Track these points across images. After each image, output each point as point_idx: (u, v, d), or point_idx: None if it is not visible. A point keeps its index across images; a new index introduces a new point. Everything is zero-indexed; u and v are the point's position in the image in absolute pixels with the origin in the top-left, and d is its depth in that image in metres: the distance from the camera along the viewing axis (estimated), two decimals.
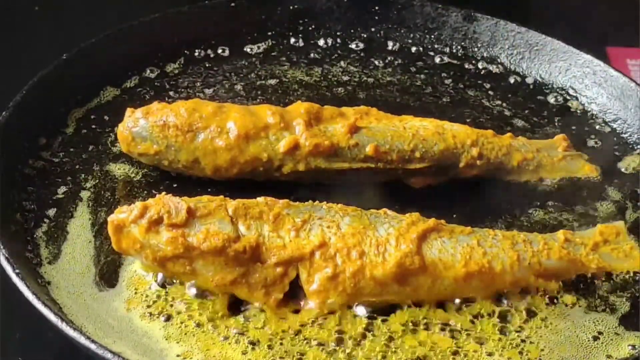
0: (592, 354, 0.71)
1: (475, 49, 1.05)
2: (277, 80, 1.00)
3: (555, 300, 0.75)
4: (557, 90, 1.01)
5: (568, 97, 1.00)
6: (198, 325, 0.71)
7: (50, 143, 0.88)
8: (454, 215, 0.81)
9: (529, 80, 1.02)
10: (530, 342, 0.71)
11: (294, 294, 0.72)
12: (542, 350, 0.71)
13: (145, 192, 0.84)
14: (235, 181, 0.83)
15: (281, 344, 0.70)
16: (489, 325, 0.72)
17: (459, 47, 1.06)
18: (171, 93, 0.97)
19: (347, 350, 0.70)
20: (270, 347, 0.69)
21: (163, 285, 0.73)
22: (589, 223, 0.83)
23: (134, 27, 1.00)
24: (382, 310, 0.73)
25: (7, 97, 0.86)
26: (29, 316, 0.71)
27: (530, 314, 0.74)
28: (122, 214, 0.72)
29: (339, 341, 0.70)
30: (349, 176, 0.84)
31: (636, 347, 0.71)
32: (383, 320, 0.72)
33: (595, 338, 0.72)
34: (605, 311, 0.75)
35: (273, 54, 1.04)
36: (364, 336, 0.71)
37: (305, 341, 0.70)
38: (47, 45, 1.10)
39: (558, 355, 0.71)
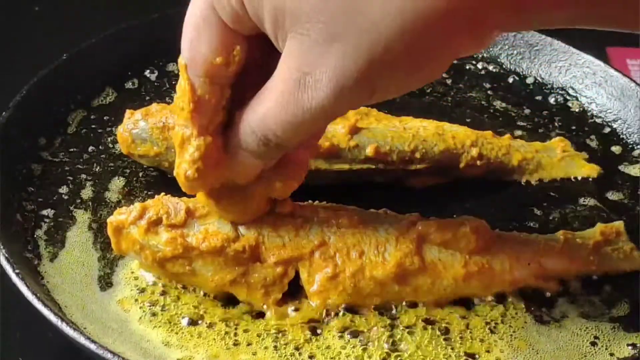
0: (592, 357, 0.71)
1: None
2: None
3: (552, 302, 0.75)
4: (557, 90, 1.01)
5: (568, 97, 1.00)
6: (199, 329, 0.71)
7: (50, 143, 0.88)
8: (454, 215, 0.81)
9: (529, 80, 1.02)
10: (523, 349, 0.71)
11: (293, 294, 0.72)
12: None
13: (145, 192, 0.84)
14: None
15: (285, 344, 0.70)
16: (481, 329, 0.72)
17: None
18: (171, 93, 0.97)
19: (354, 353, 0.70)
20: (275, 348, 0.70)
21: (163, 287, 0.74)
22: (589, 223, 0.83)
23: (134, 27, 1.00)
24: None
25: (7, 97, 0.86)
26: (29, 316, 0.70)
27: (525, 317, 0.74)
28: (121, 215, 0.73)
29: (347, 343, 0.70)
30: (349, 177, 0.84)
31: (637, 345, 0.71)
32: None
33: (593, 343, 0.72)
34: (604, 313, 0.75)
35: None
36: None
37: (309, 342, 0.70)
38: (47, 45, 1.10)
39: None
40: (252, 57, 0.61)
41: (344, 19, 0.52)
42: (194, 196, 0.74)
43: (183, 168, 0.66)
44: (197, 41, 0.60)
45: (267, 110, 0.59)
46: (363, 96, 0.57)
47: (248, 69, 0.61)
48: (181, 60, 0.62)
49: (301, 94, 0.55)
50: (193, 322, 0.71)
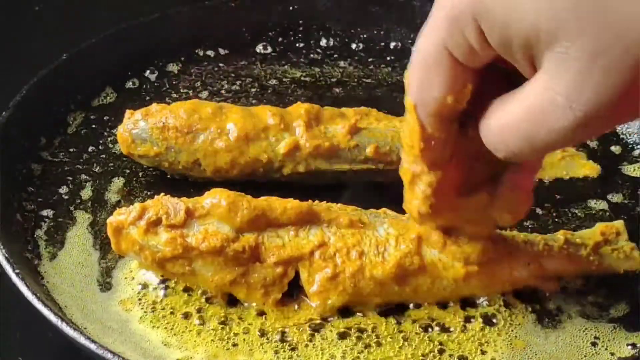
0: (593, 357, 0.71)
1: None
2: (277, 81, 1.00)
3: (551, 302, 0.75)
4: None
5: None
6: (199, 329, 0.71)
7: (50, 143, 0.88)
8: None
9: None
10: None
11: (293, 294, 0.72)
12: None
13: (145, 192, 0.84)
14: (235, 182, 0.83)
15: (285, 344, 0.70)
16: (480, 330, 0.72)
17: None
18: (171, 93, 0.97)
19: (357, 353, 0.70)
20: (274, 348, 0.70)
21: (163, 287, 0.74)
22: (589, 223, 0.83)
23: (134, 27, 1.00)
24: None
25: (7, 97, 0.86)
26: (29, 316, 0.71)
27: (525, 317, 0.74)
28: (121, 215, 0.72)
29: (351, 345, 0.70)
30: (349, 177, 0.84)
31: (637, 345, 0.71)
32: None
33: (594, 344, 0.72)
34: (604, 313, 0.75)
35: (273, 54, 1.04)
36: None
37: (309, 342, 0.70)
38: (47, 45, 1.10)
39: None
40: (480, 87, 0.60)
41: (607, 35, 0.49)
42: (194, 196, 0.74)
43: (415, 204, 0.66)
44: (427, 83, 0.59)
45: (507, 121, 0.57)
46: (610, 122, 0.55)
47: (475, 97, 0.60)
48: (410, 100, 0.61)
49: (550, 114, 0.53)
50: (193, 323, 0.71)
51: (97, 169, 0.86)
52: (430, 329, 0.72)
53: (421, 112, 0.60)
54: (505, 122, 0.57)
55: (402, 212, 0.76)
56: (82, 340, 0.65)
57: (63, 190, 0.83)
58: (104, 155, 0.88)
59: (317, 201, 0.76)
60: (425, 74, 0.59)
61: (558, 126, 0.54)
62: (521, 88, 0.56)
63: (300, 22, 1.07)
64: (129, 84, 0.97)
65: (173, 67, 1.01)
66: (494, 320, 0.73)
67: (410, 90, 0.60)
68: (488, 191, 0.67)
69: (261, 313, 0.72)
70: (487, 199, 0.67)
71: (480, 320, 0.72)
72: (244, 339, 0.70)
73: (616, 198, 0.87)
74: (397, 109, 0.91)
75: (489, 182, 0.67)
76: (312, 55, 1.04)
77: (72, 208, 0.82)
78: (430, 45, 0.58)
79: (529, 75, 0.55)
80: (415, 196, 0.66)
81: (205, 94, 0.97)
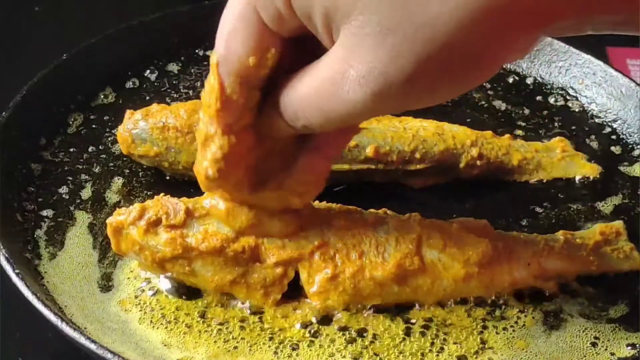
0: (593, 357, 0.71)
1: None
2: None
3: (551, 303, 0.75)
4: (557, 90, 1.01)
5: (568, 97, 1.00)
6: (199, 329, 0.71)
7: (50, 143, 0.88)
8: (454, 215, 0.81)
9: (529, 80, 1.02)
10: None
11: (293, 294, 0.72)
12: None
13: (145, 192, 0.84)
14: None
15: (285, 345, 0.70)
16: (480, 330, 0.72)
17: None
18: (171, 93, 0.97)
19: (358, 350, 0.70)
20: (274, 349, 0.70)
21: (163, 287, 0.74)
22: (589, 223, 0.83)
23: (134, 27, 1.00)
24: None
25: (7, 97, 0.86)
26: (29, 316, 0.71)
27: (525, 318, 0.74)
28: (121, 215, 0.72)
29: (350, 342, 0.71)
30: (349, 177, 0.84)
31: (636, 345, 0.71)
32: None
33: (594, 344, 0.72)
34: (604, 313, 0.75)
35: None
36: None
37: (309, 343, 0.70)
38: (47, 45, 1.10)
39: None
40: (286, 62, 0.60)
41: (400, 13, 0.49)
42: (194, 196, 0.74)
43: (204, 166, 0.65)
44: (232, 39, 0.58)
45: (304, 92, 0.58)
46: (406, 99, 0.55)
47: (280, 73, 0.60)
48: (213, 56, 0.60)
49: (343, 87, 0.54)
50: (193, 323, 0.71)
51: (97, 169, 0.86)
52: (430, 329, 0.72)
53: (223, 70, 0.60)
54: (302, 93, 0.58)
55: (402, 212, 0.76)
56: (82, 340, 0.65)
57: (63, 190, 0.83)
58: (104, 155, 0.88)
59: (317, 201, 0.76)
60: (231, 31, 0.58)
61: (350, 100, 0.54)
62: (320, 60, 0.56)
63: None
64: (129, 84, 0.97)
65: (173, 67, 1.00)
66: (494, 321, 0.73)
67: (216, 45, 0.60)
68: (278, 186, 0.67)
69: (261, 313, 0.72)
70: (276, 196, 0.68)
71: (480, 320, 0.72)
72: (245, 340, 0.70)
73: (616, 198, 0.87)
74: None
75: (281, 176, 0.67)
76: None
77: (72, 208, 0.82)
78: (240, 3, 0.58)
79: (330, 48, 0.55)
80: (205, 158, 0.64)
81: None
